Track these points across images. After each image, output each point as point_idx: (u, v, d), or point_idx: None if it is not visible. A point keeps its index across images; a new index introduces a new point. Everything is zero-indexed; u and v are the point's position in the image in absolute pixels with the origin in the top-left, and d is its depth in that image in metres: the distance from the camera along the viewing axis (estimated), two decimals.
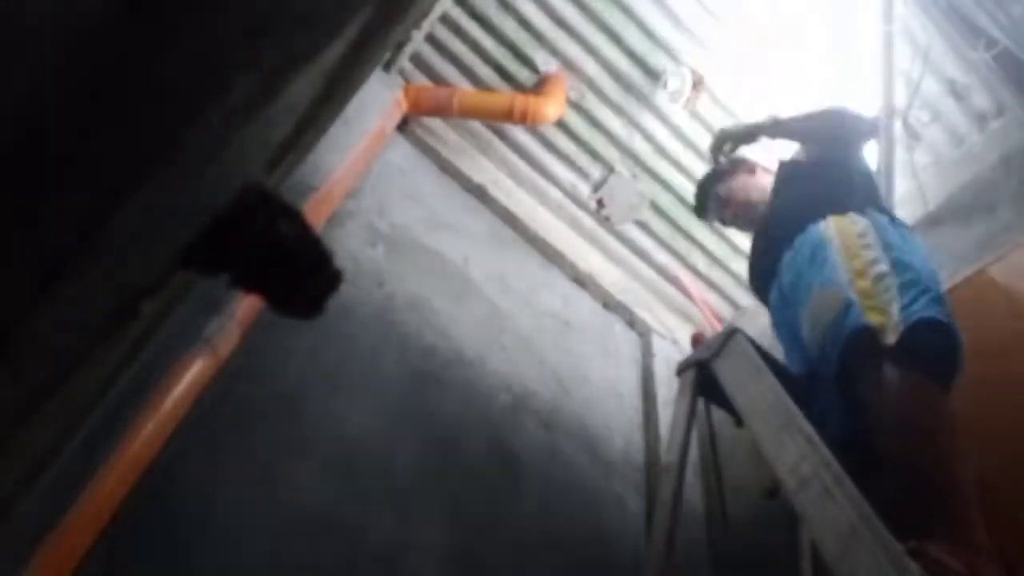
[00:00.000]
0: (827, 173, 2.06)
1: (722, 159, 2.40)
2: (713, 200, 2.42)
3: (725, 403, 1.81)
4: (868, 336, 1.47)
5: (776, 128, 2.26)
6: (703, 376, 1.90)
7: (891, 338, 1.45)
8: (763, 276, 2.01)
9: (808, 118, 2.25)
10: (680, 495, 1.72)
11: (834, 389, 1.55)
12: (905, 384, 1.41)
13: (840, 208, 1.83)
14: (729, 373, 1.72)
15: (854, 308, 1.52)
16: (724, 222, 2.49)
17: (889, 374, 1.42)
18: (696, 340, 2.68)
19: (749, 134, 2.30)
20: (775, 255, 1.92)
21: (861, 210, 1.82)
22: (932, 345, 1.46)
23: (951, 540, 1.14)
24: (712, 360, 1.82)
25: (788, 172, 2.19)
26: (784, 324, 1.87)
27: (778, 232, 1.96)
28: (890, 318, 1.48)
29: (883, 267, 1.60)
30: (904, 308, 1.50)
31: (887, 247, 1.67)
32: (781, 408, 1.40)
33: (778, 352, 1.88)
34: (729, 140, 2.34)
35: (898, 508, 1.17)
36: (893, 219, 1.89)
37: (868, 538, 1.02)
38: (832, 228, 1.77)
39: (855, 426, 1.49)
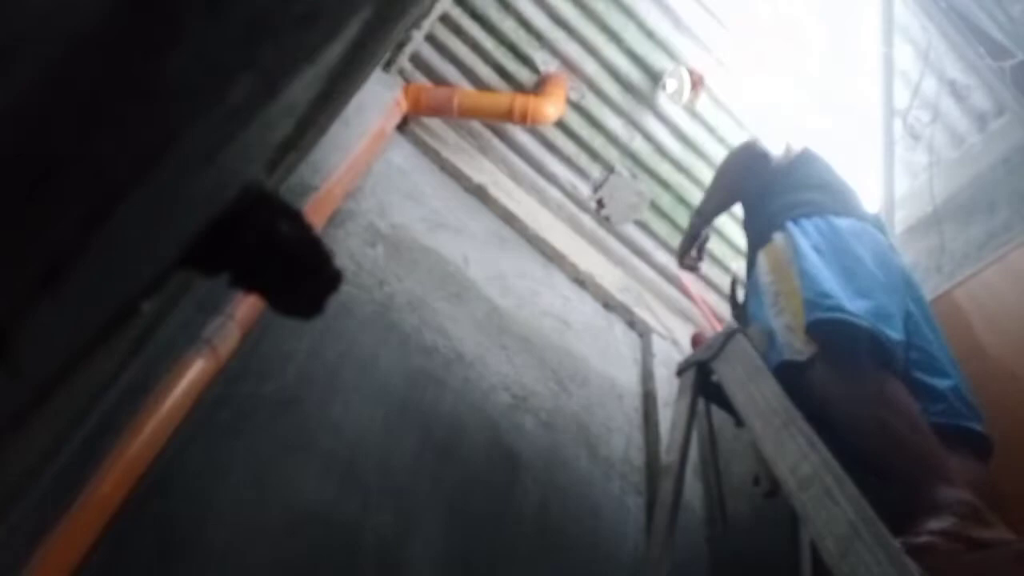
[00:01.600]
0: (749, 210, 2.14)
1: (697, 264, 2.31)
2: None
3: (725, 403, 1.81)
4: (792, 365, 1.53)
5: (703, 213, 2.22)
6: (703, 376, 1.90)
7: (805, 353, 1.52)
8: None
9: (716, 179, 2.25)
10: (680, 495, 1.72)
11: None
12: (836, 387, 1.45)
13: (765, 238, 1.87)
14: (729, 373, 1.72)
15: (776, 340, 1.59)
16: None
17: (821, 385, 1.47)
18: (696, 340, 2.67)
19: (691, 237, 2.22)
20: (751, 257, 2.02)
21: (781, 227, 1.84)
22: (835, 340, 1.49)
23: (937, 509, 1.17)
24: (712, 360, 1.82)
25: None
26: None
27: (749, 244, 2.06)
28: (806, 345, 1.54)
29: (799, 281, 1.64)
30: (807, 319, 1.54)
31: (799, 257, 1.69)
32: (781, 408, 1.40)
33: None
34: (685, 250, 2.25)
35: (887, 492, 1.20)
36: (819, 216, 1.84)
37: (868, 538, 1.02)
38: (762, 262, 1.83)
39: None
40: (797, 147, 2.16)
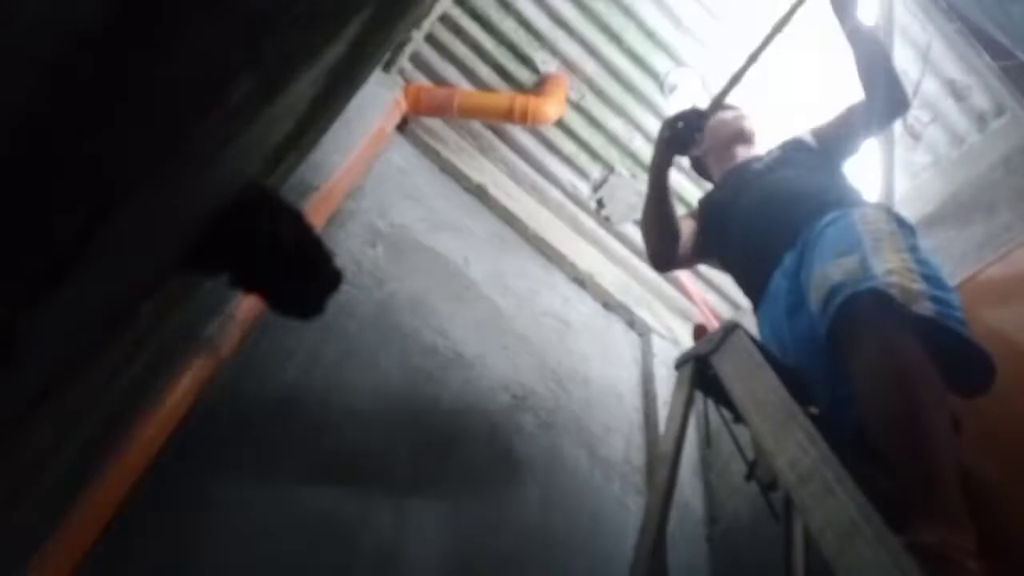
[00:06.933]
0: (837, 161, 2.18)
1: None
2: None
3: (723, 398, 1.81)
4: (880, 297, 1.40)
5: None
6: (702, 371, 1.90)
7: (927, 308, 1.39)
8: (773, 245, 1.92)
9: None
10: (674, 483, 1.71)
11: (824, 353, 1.52)
12: (908, 355, 1.36)
13: (859, 201, 1.85)
14: (728, 368, 1.72)
15: (873, 272, 1.47)
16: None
17: (891, 340, 1.37)
18: (699, 332, 2.66)
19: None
20: (791, 234, 1.85)
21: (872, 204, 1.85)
22: (954, 354, 1.43)
23: (940, 524, 1.15)
24: (711, 355, 1.82)
25: (799, 146, 2.21)
26: (783, 301, 1.80)
27: (796, 209, 1.90)
28: (923, 291, 1.43)
29: (914, 261, 1.57)
30: (938, 300, 1.45)
31: (912, 249, 1.65)
32: (780, 403, 1.40)
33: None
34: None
35: (887, 485, 1.18)
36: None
37: (868, 533, 1.02)
38: (869, 217, 1.72)
39: (837, 395, 1.49)
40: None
